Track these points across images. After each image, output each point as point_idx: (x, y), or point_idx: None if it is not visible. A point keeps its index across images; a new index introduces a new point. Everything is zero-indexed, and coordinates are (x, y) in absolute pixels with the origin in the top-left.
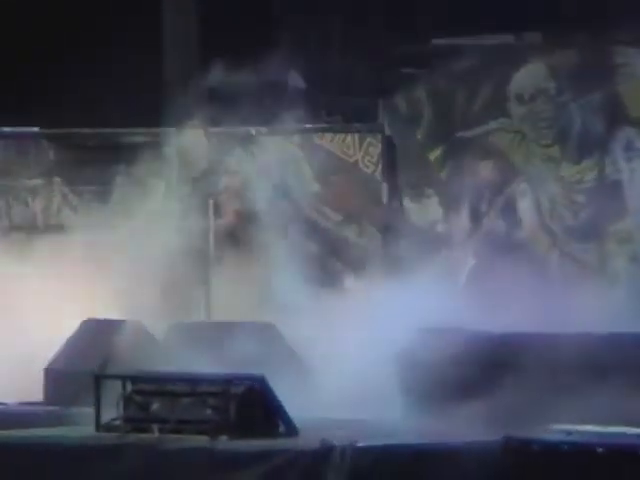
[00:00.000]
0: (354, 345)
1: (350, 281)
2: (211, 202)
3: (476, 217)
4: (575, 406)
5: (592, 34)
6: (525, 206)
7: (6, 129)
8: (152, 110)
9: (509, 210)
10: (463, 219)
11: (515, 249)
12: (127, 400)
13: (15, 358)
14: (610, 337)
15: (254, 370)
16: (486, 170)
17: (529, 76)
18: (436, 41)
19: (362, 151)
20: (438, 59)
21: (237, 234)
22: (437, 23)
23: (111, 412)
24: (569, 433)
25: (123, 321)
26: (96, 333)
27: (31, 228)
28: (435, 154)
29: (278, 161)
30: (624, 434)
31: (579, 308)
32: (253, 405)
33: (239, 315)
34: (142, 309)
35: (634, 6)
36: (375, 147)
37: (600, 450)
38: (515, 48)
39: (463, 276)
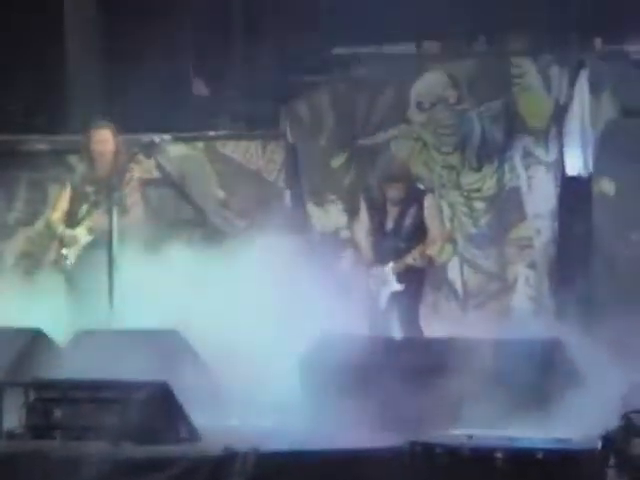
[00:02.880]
0: (259, 349)
1: (254, 286)
2: (115, 206)
3: (379, 223)
4: (473, 410)
5: (489, 44)
6: (428, 213)
7: None
8: (55, 118)
9: (413, 216)
10: (366, 225)
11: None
12: (30, 408)
13: None
14: (504, 343)
15: (159, 377)
16: (389, 177)
17: (429, 84)
18: (337, 49)
19: (265, 158)
20: (339, 67)
21: (140, 235)
22: (338, 32)
23: (14, 420)
24: (470, 437)
25: (25, 329)
26: None
27: None
28: (338, 161)
29: (181, 168)
30: (522, 439)
31: (480, 314)
32: (155, 411)
33: (143, 318)
34: (45, 315)
35: (527, 18)
36: (278, 154)
37: (499, 454)
38: (415, 57)
39: (383, 299)
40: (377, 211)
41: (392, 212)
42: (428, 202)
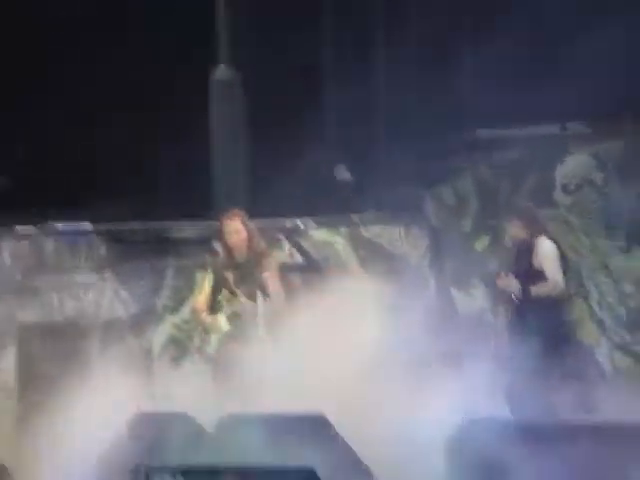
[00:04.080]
0: (403, 432)
1: (398, 369)
2: (258, 290)
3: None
4: None
5: (636, 124)
6: (544, 256)
7: (59, 225)
8: (200, 204)
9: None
10: (510, 309)
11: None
12: None
13: (66, 452)
14: None
15: (306, 463)
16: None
17: (575, 166)
18: (481, 132)
19: (408, 242)
20: (484, 150)
21: (282, 320)
22: (482, 114)
23: None
24: None
25: (174, 413)
26: (148, 426)
27: (84, 322)
28: (482, 244)
29: (324, 253)
30: None
31: (630, 397)
32: None
33: (288, 402)
34: (192, 399)
35: None
36: (421, 238)
37: None
38: (560, 138)
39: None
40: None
41: (513, 251)
42: (545, 245)
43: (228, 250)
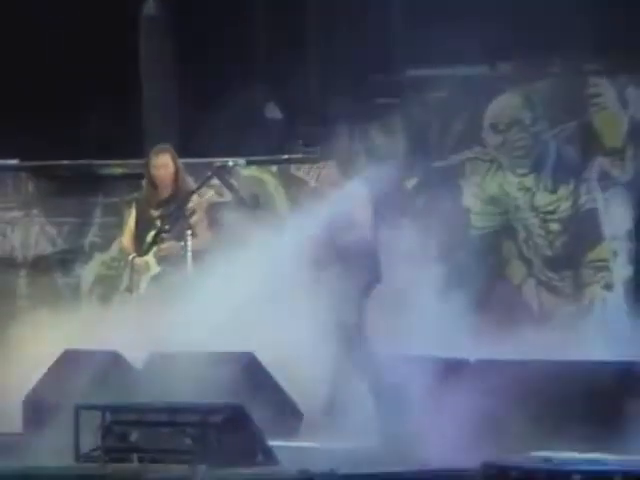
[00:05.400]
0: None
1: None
2: (188, 231)
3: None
4: (553, 434)
5: (565, 65)
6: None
7: None
8: (130, 142)
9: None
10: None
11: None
12: (106, 430)
13: None
14: (579, 365)
15: (234, 399)
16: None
17: (504, 106)
18: (411, 72)
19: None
20: (413, 89)
21: (211, 259)
22: (412, 54)
23: (91, 443)
24: (547, 460)
25: (102, 351)
26: (75, 363)
27: (10, 260)
28: (411, 184)
29: (254, 191)
30: (600, 461)
31: (556, 336)
32: (232, 434)
33: (217, 340)
34: (121, 337)
35: (606, 37)
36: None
37: (577, 477)
38: (489, 78)
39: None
40: None
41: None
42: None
43: (153, 185)
